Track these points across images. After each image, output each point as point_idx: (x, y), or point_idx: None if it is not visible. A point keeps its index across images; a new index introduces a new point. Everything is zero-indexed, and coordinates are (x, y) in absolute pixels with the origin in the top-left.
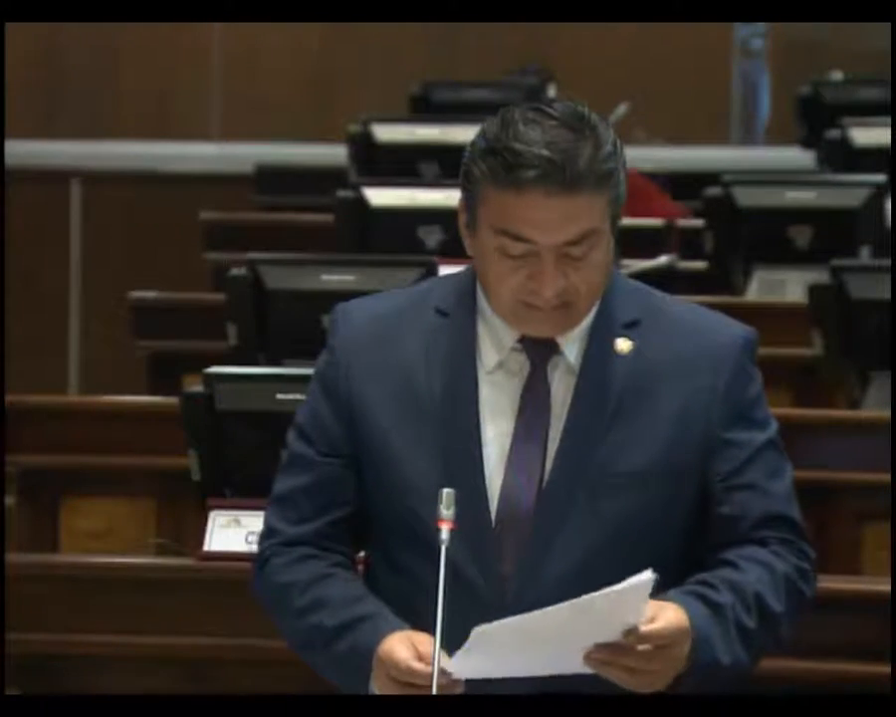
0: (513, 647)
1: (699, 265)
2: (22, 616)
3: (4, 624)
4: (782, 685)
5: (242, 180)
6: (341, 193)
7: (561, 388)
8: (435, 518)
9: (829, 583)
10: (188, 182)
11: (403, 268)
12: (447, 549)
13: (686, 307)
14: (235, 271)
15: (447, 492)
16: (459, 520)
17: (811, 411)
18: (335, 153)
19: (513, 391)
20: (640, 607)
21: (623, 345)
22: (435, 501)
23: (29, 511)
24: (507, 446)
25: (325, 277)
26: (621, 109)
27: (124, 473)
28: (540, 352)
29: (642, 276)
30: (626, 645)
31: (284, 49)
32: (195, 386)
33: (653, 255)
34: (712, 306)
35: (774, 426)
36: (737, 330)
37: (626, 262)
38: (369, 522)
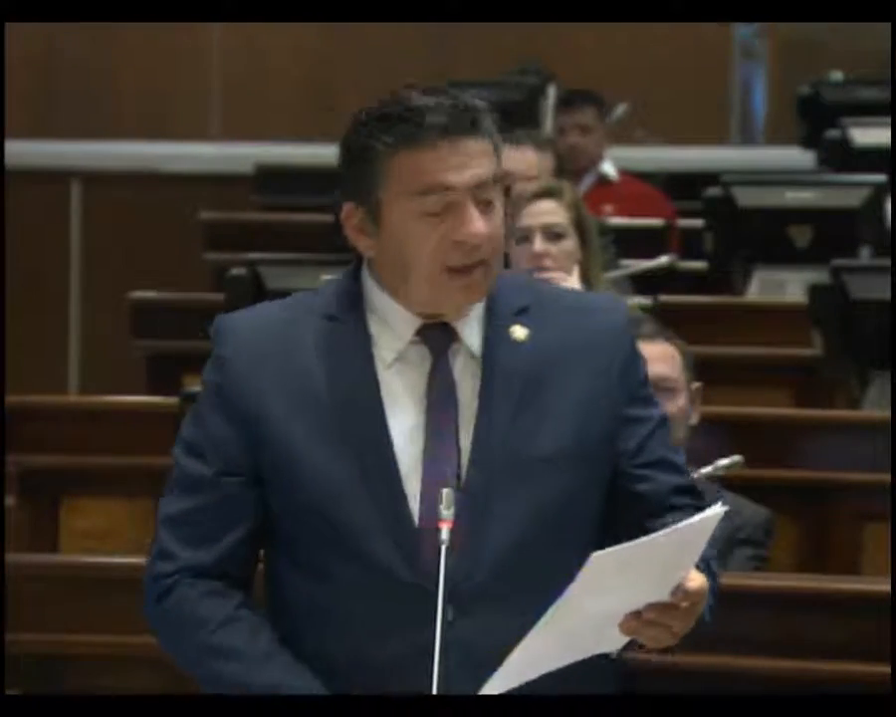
0: (612, 580)
1: (699, 265)
2: (22, 616)
3: (4, 624)
4: (782, 685)
5: (242, 180)
6: None
7: (466, 376)
8: (361, 521)
9: (829, 583)
10: (188, 182)
11: None
12: (371, 551)
13: (565, 291)
14: (235, 271)
15: (447, 492)
16: (380, 518)
17: (811, 411)
18: (334, 153)
19: (417, 384)
20: (703, 541)
21: (519, 332)
22: (359, 504)
23: (29, 511)
24: (419, 440)
25: (324, 277)
26: (621, 109)
27: (124, 473)
28: (439, 341)
29: (642, 276)
30: (673, 604)
31: (284, 49)
32: (195, 386)
33: (653, 255)
34: (712, 306)
35: (659, 405)
36: (619, 309)
37: (626, 262)
38: (284, 534)
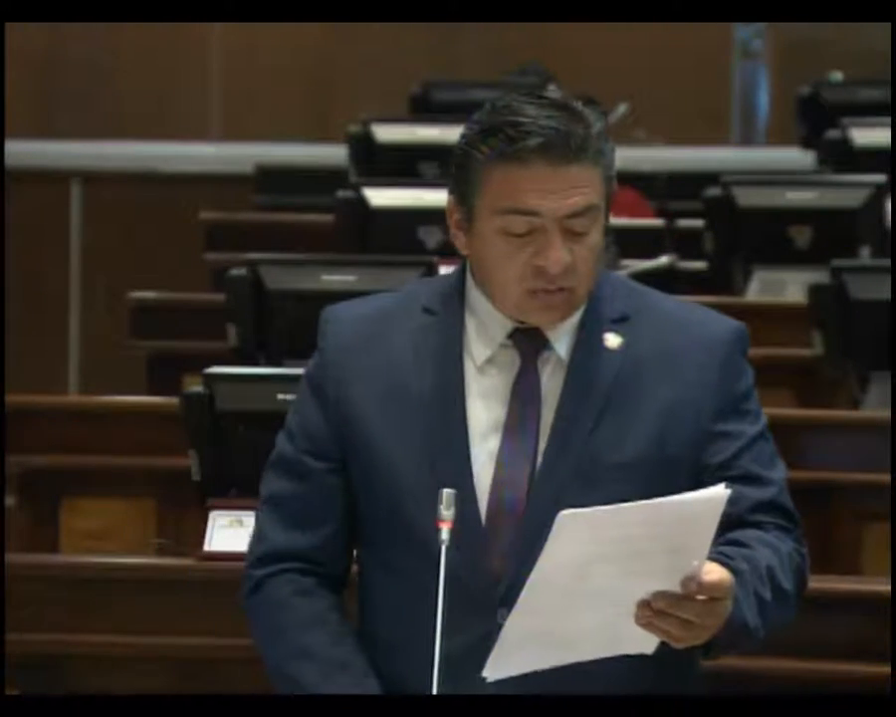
0: (587, 546)
1: (699, 265)
2: (22, 616)
3: (4, 624)
4: (782, 685)
5: (242, 180)
6: (341, 193)
7: (552, 383)
8: (426, 517)
9: (829, 583)
10: (188, 182)
11: (403, 268)
12: (439, 547)
13: (675, 302)
14: (235, 271)
15: (447, 492)
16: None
17: (811, 411)
18: (335, 153)
19: (503, 386)
20: (711, 525)
21: (613, 340)
22: (426, 500)
23: (29, 511)
24: (496, 441)
25: (325, 277)
26: (621, 109)
27: (124, 473)
28: (530, 346)
29: (642, 276)
30: (686, 595)
31: (284, 49)
32: (195, 386)
33: (653, 255)
34: (712, 306)
35: (764, 421)
36: (727, 324)
37: (626, 262)
38: (361, 524)
